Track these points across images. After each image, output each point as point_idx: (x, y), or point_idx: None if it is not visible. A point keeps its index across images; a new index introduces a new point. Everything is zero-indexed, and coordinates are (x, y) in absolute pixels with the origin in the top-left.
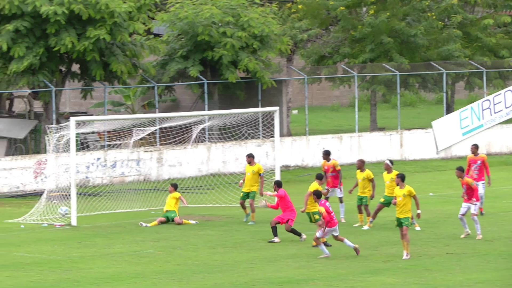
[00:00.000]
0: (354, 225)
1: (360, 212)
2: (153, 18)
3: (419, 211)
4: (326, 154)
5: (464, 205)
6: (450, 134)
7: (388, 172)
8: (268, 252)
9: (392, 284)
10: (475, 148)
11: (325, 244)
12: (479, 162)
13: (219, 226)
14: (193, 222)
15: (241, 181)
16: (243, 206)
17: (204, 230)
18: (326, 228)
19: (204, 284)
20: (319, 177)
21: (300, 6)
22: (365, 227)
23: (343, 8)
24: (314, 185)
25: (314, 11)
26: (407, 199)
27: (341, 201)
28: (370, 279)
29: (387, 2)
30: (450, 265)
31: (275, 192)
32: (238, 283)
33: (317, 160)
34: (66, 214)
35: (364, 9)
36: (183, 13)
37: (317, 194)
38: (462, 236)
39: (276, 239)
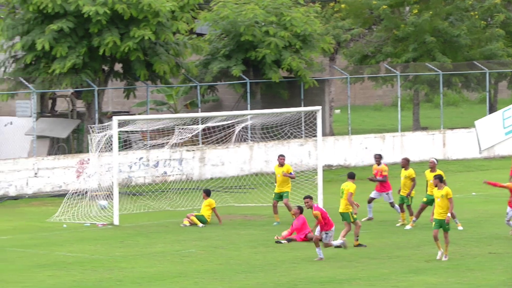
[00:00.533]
0: (397, 224)
1: (402, 211)
2: (195, 18)
3: (449, 214)
4: (379, 158)
5: (509, 209)
6: (493, 133)
7: (432, 171)
8: (310, 251)
9: (434, 283)
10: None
11: (360, 245)
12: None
13: (261, 226)
14: (201, 225)
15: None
16: (275, 207)
17: (246, 229)
18: (323, 232)
19: (246, 283)
20: (351, 176)
21: (343, 6)
22: (408, 227)
23: (386, 7)
24: (352, 186)
25: (357, 10)
26: (444, 201)
27: (392, 205)
28: (412, 278)
29: (430, 2)
30: (493, 265)
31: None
32: (280, 283)
33: (360, 160)
34: (104, 207)
35: (407, 8)
36: (225, 12)
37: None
38: (510, 232)
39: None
